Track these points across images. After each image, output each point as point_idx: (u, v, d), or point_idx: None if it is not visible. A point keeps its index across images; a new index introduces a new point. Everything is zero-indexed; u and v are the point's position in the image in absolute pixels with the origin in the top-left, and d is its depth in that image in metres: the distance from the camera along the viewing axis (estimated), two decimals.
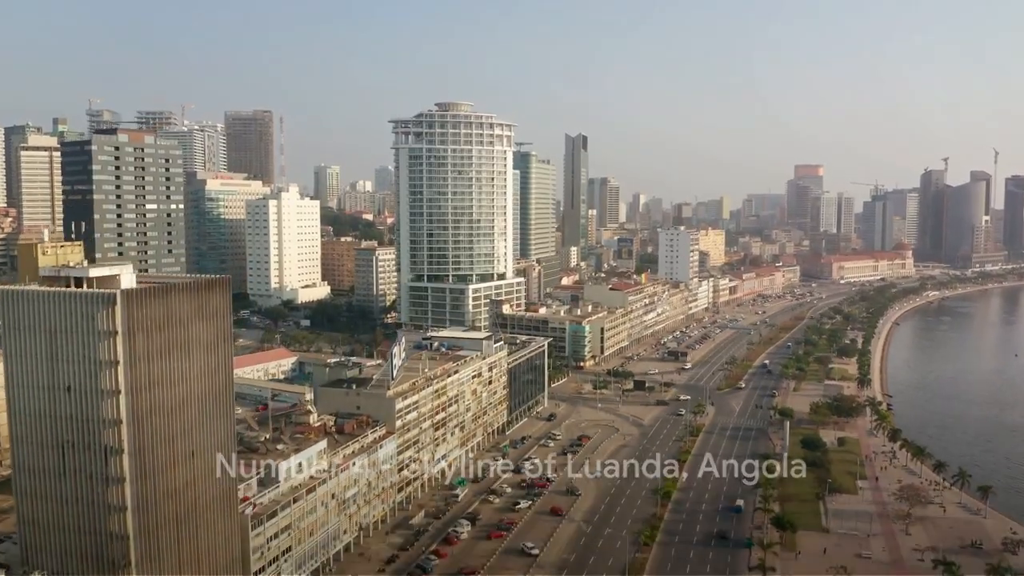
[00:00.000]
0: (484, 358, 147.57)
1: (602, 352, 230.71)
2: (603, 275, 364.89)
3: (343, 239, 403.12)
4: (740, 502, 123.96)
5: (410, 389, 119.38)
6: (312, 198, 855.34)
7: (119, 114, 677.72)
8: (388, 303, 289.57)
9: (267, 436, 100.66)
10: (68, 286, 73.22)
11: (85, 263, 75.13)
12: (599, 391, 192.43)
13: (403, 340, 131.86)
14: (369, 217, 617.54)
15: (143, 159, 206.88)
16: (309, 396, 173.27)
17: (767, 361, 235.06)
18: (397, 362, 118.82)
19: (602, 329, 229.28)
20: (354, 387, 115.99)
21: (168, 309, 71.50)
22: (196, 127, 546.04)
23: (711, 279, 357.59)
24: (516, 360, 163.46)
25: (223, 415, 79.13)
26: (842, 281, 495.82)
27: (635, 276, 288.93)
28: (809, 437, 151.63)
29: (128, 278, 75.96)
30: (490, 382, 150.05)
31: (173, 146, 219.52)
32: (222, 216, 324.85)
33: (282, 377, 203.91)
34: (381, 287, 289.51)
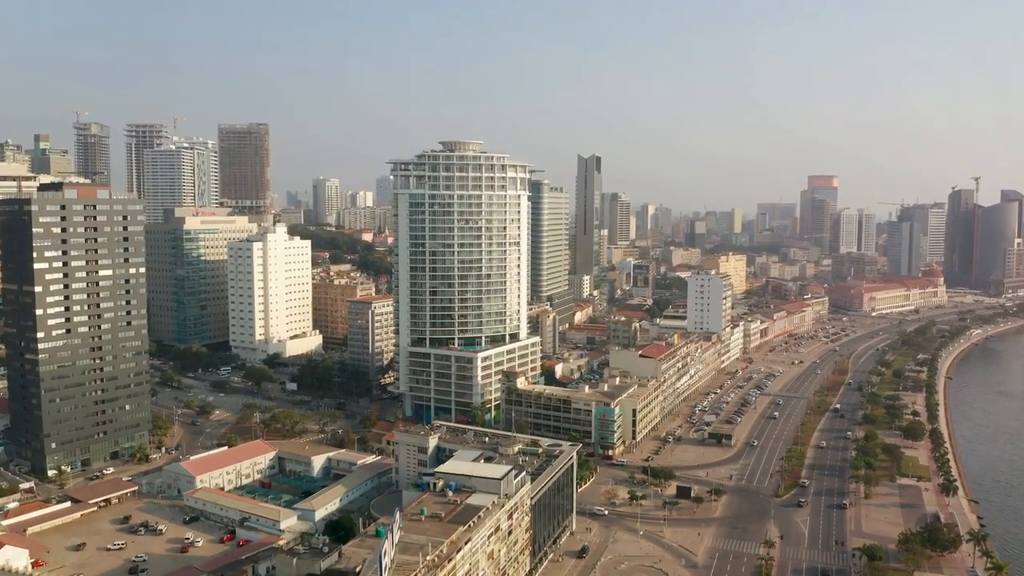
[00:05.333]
0: (503, 504, 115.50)
1: (634, 437, 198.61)
2: (622, 320, 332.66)
3: (338, 276, 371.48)
4: None
5: None
6: (309, 211, 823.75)
7: (108, 127, 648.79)
8: (385, 362, 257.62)
9: None
10: None
11: None
12: (636, 502, 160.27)
13: (398, 518, 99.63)
14: (368, 237, 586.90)
15: (95, 217, 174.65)
16: (285, 524, 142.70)
17: (839, 405, 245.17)
18: (387, 560, 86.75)
19: (634, 411, 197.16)
20: None
21: None
22: (186, 145, 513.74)
23: (742, 323, 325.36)
24: (541, 489, 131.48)
25: None
26: (873, 313, 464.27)
27: (666, 334, 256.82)
28: None
29: None
30: (510, 532, 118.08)
31: (132, 200, 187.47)
32: (202, 257, 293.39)
33: (259, 476, 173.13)
34: (378, 343, 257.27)
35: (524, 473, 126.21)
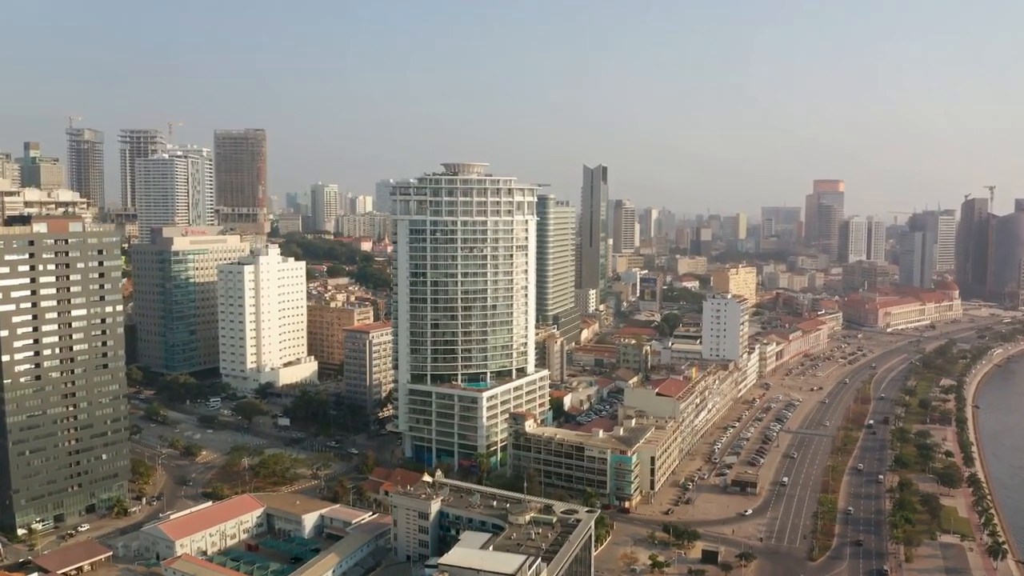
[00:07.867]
0: None
1: (652, 487, 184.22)
2: (632, 343, 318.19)
3: (336, 291, 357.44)
4: None
5: None
6: (308, 217, 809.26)
7: (102, 132, 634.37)
8: (384, 394, 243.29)
9: None
10: None
11: None
12: (659, 571, 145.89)
13: None
14: (368, 247, 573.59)
15: (67, 253, 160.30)
16: None
17: (871, 421, 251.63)
18: None
19: (652, 458, 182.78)
20: None
21: None
22: (179, 153, 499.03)
23: (758, 347, 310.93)
24: (557, 573, 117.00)
25: None
26: (889, 329, 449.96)
27: (684, 370, 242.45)
28: None
29: None
30: None
31: (109, 233, 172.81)
32: (191, 280, 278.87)
33: (245, 536, 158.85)
34: (376, 374, 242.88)
35: (539, 561, 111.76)
